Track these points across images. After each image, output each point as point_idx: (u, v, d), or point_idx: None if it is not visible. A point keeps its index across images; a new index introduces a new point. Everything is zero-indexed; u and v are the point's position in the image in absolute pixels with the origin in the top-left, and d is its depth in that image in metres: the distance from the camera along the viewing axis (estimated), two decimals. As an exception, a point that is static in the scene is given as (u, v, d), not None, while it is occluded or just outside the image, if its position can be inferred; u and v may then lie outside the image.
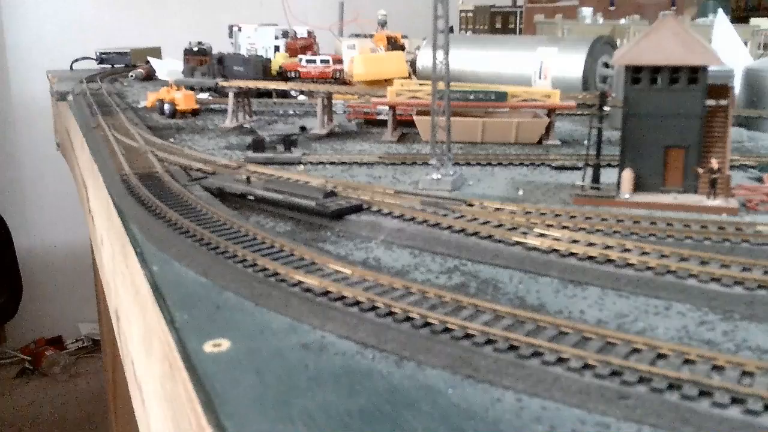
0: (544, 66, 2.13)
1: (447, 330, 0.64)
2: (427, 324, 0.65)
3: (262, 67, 2.25)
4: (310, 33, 2.79)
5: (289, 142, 1.43)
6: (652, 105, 1.04)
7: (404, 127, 1.73)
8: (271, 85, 2.00)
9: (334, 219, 0.98)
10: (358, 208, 1.00)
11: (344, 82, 2.30)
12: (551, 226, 0.91)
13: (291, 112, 2.09)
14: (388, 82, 1.93)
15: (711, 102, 1.06)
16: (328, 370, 0.59)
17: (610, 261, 0.81)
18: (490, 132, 1.58)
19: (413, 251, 0.89)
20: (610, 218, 0.95)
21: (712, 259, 0.79)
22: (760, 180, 1.21)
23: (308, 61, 2.33)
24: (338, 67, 2.32)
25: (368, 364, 0.60)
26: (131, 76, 2.82)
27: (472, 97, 1.55)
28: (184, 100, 1.94)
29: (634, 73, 1.04)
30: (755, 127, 1.75)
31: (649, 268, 0.78)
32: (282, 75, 2.33)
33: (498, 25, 5.81)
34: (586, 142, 1.13)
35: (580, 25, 4.74)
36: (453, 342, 0.62)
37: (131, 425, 0.98)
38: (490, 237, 0.89)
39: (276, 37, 2.67)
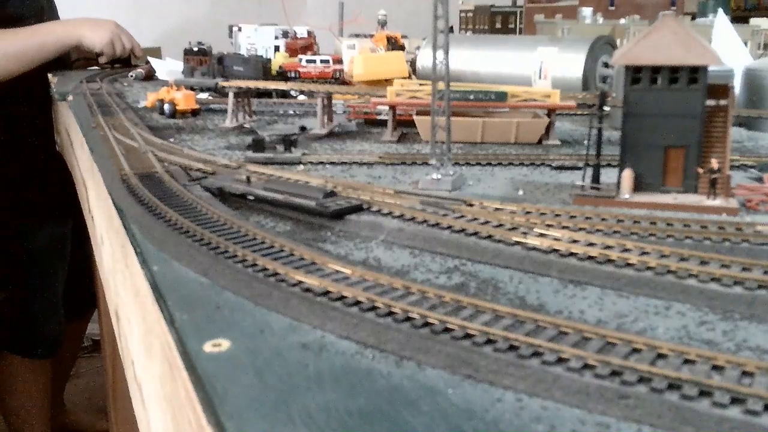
0: (544, 66, 2.13)
1: (447, 330, 0.64)
2: (426, 324, 0.65)
3: (262, 67, 2.25)
4: (310, 33, 2.80)
5: (289, 142, 1.43)
6: (652, 105, 1.04)
7: (404, 127, 1.73)
8: (271, 85, 2.00)
9: (334, 219, 0.98)
10: (358, 208, 1.00)
11: (344, 82, 2.30)
12: (551, 226, 0.91)
13: (291, 112, 2.09)
14: (388, 82, 1.93)
15: (711, 102, 1.06)
16: (328, 370, 0.59)
17: (610, 261, 0.81)
18: (490, 132, 1.59)
19: (413, 251, 0.89)
20: (610, 218, 0.95)
21: (712, 259, 0.79)
22: (760, 180, 1.21)
23: (308, 61, 2.33)
24: (338, 67, 2.32)
25: (368, 364, 0.60)
26: (131, 76, 2.81)
27: (472, 97, 1.55)
28: (184, 100, 1.94)
29: (634, 73, 1.04)
30: (755, 127, 1.75)
31: (649, 268, 0.78)
32: (282, 75, 2.34)
33: (498, 25, 5.82)
34: (586, 142, 1.13)
35: (580, 25, 4.75)
36: (453, 342, 0.62)
37: (131, 425, 0.98)
38: (490, 237, 0.89)
39: (276, 37, 2.67)
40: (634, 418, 0.52)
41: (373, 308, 0.68)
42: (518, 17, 5.86)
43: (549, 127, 1.59)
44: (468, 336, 0.62)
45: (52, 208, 2.74)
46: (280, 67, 2.37)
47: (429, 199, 1.04)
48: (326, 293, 0.71)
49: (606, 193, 1.09)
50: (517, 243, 0.87)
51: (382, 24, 2.72)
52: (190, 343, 0.63)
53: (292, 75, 2.32)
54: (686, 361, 0.58)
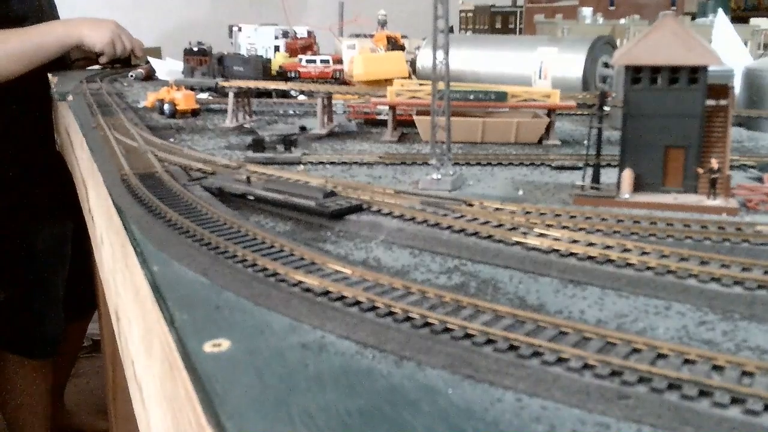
0: (544, 66, 2.13)
1: (447, 330, 0.64)
2: (427, 324, 0.65)
3: (262, 67, 2.25)
4: (310, 33, 2.80)
5: (289, 142, 1.43)
6: (652, 105, 1.04)
7: (404, 127, 1.73)
8: (271, 85, 2.00)
9: (334, 219, 0.98)
10: (358, 208, 1.00)
11: (344, 82, 2.30)
12: (551, 226, 0.91)
13: (291, 112, 2.09)
14: (388, 82, 1.93)
15: (711, 102, 1.06)
16: (328, 370, 0.59)
17: (610, 261, 0.81)
18: (490, 132, 1.59)
19: (413, 251, 0.89)
20: (610, 218, 0.95)
21: (712, 259, 0.79)
22: (760, 180, 1.21)
23: (308, 61, 2.33)
24: (338, 67, 2.32)
25: (368, 364, 0.60)
26: (131, 76, 2.81)
27: (472, 97, 1.55)
28: (184, 100, 1.93)
29: (634, 73, 1.04)
30: (755, 127, 1.75)
31: (649, 268, 0.78)
32: (282, 75, 2.34)
33: (498, 25, 5.82)
34: (586, 142, 1.13)
35: (580, 25, 4.75)
36: (453, 342, 0.62)
37: (131, 425, 0.98)
38: (490, 237, 0.89)
39: (276, 37, 2.67)
40: (634, 418, 0.52)
41: (373, 308, 0.68)
42: (518, 17, 5.85)
43: (549, 127, 1.59)
44: (468, 336, 0.62)
45: (52, 208, 2.74)
46: (280, 67, 2.37)
47: (429, 199, 1.04)
48: (326, 293, 0.71)
49: (606, 193, 1.09)
50: (517, 243, 0.87)
51: (382, 24, 2.72)
52: (190, 343, 0.63)
53: (292, 75, 2.32)
54: (686, 361, 0.58)
